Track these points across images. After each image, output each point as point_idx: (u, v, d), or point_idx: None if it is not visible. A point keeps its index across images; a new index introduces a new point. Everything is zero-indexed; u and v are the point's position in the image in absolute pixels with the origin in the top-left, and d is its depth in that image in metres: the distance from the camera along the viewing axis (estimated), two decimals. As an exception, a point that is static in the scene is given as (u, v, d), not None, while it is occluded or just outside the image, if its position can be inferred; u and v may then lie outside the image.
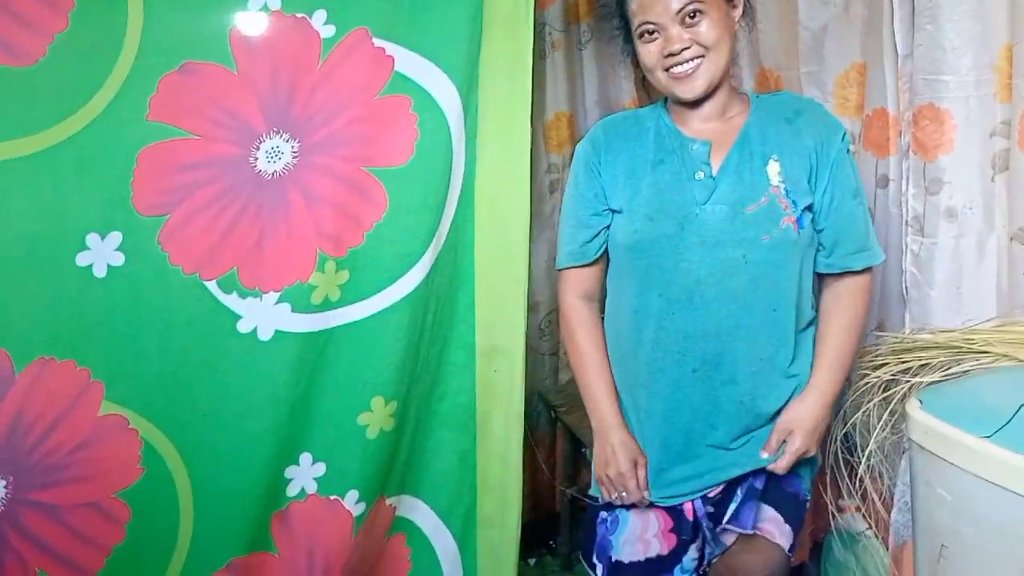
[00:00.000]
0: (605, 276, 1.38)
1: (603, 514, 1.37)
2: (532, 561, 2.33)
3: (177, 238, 1.27)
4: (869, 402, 1.29)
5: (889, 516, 1.42)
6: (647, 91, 2.19)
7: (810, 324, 1.32)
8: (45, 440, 1.25)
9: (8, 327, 1.22)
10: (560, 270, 1.39)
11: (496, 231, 1.47)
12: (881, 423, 1.27)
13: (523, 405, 1.52)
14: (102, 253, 1.25)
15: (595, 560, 1.37)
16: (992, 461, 0.96)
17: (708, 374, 1.25)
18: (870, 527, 1.49)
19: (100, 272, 1.25)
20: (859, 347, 1.29)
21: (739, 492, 1.30)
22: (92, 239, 1.24)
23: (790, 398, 1.28)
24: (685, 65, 1.23)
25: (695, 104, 1.29)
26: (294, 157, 1.31)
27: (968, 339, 1.24)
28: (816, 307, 1.33)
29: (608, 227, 1.32)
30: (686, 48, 1.22)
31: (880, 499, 1.41)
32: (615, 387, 1.34)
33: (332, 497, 1.40)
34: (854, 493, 1.37)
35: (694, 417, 1.27)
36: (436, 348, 1.48)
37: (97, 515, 1.28)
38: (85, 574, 1.29)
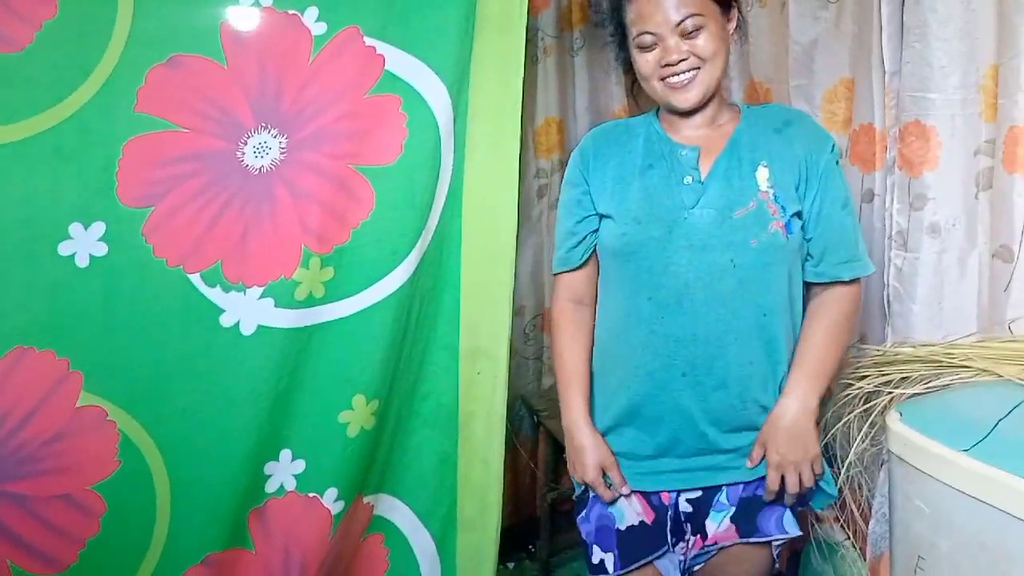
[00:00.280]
0: (597, 280, 1.39)
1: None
2: (511, 565, 2.32)
3: (162, 230, 1.27)
4: (850, 413, 1.30)
5: (867, 527, 1.42)
6: (636, 99, 2.20)
7: None
8: (20, 430, 1.23)
9: (-14, 315, 1.21)
10: (554, 275, 1.41)
11: (483, 232, 1.47)
12: (861, 435, 1.27)
13: (506, 408, 1.52)
14: (85, 243, 1.24)
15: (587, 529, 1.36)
16: (970, 474, 0.96)
17: (698, 378, 1.25)
18: (848, 538, 1.50)
19: (83, 262, 1.24)
20: (842, 356, 1.29)
21: (725, 500, 1.29)
22: (75, 229, 1.23)
23: None
24: (681, 76, 1.24)
25: (687, 113, 1.30)
26: (281, 153, 1.31)
27: (949, 353, 1.25)
28: None
29: (595, 232, 1.33)
30: (683, 59, 1.23)
31: (859, 510, 1.42)
32: (590, 389, 1.35)
33: (311, 494, 1.39)
34: (833, 504, 1.38)
35: (683, 420, 1.26)
36: (419, 348, 1.47)
37: (71, 507, 1.26)
38: (58, 566, 1.27)
